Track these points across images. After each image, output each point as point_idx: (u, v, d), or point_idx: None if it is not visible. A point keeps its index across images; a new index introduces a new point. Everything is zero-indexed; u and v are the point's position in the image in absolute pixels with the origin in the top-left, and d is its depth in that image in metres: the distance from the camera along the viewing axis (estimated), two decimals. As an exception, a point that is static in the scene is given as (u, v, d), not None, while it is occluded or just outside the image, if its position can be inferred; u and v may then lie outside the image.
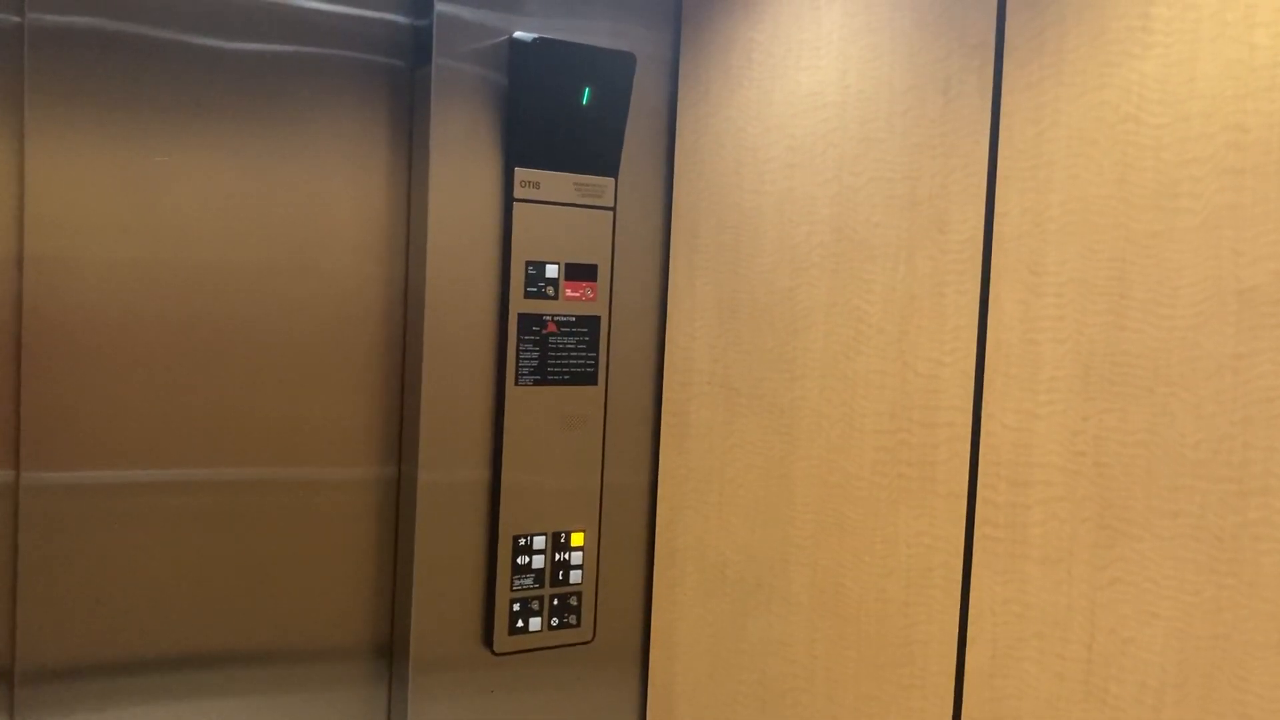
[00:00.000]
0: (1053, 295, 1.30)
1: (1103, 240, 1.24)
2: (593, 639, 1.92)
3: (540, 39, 1.76)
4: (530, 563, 1.83)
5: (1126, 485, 1.22)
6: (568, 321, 1.84)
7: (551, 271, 1.82)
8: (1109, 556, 1.23)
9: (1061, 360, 1.29)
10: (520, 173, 1.78)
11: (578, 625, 1.89)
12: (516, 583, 1.83)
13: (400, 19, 1.78)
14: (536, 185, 1.80)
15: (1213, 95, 1.14)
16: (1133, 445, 1.21)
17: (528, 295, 1.80)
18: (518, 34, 1.77)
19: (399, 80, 1.79)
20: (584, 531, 1.88)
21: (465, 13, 1.75)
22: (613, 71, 1.82)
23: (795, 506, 1.67)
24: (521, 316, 1.80)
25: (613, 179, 1.87)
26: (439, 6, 1.72)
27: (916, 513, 1.47)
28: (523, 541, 1.83)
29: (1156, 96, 1.19)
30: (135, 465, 1.63)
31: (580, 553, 1.88)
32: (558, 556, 1.86)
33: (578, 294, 1.85)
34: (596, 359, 1.88)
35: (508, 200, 1.79)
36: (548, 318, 1.82)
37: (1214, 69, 1.14)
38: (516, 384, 1.80)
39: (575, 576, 1.88)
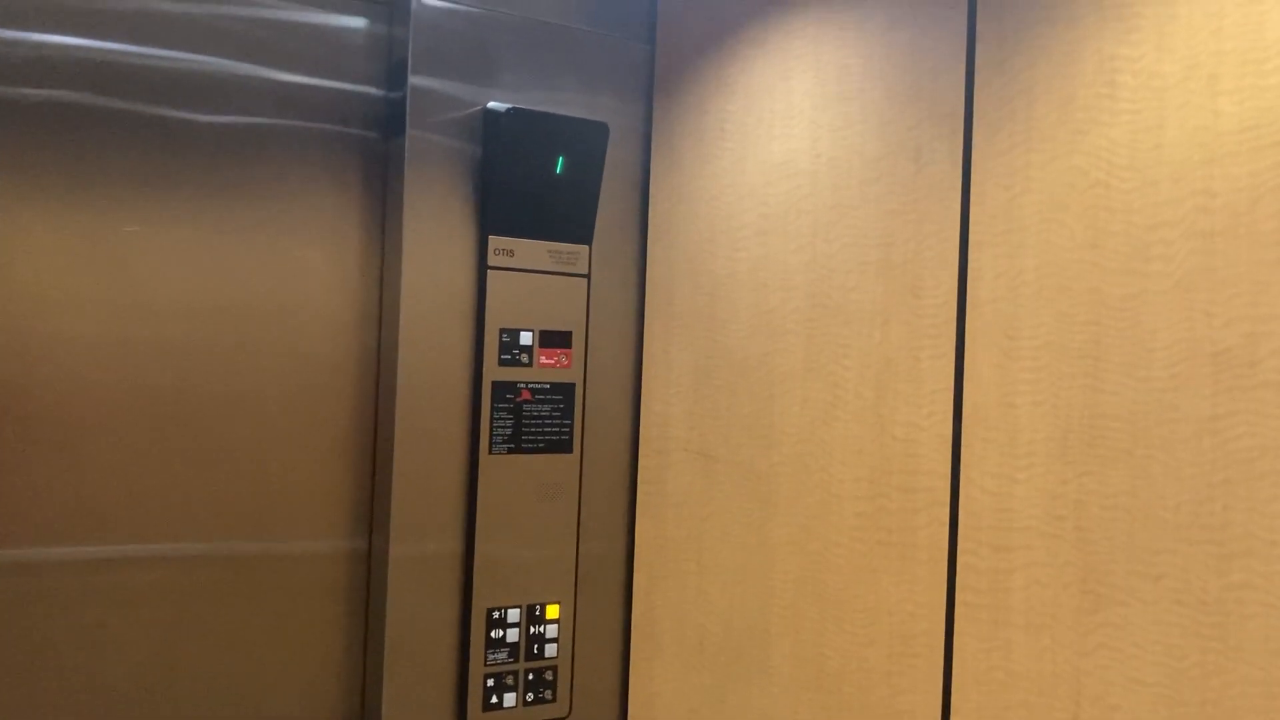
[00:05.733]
0: (1028, 359, 1.30)
1: (1077, 303, 1.25)
2: (569, 714, 1.87)
3: (514, 109, 1.77)
4: (504, 636, 1.79)
5: (1108, 549, 1.21)
6: (542, 389, 1.83)
7: (526, 339, 1.81)
8: (1093, 622, 1.22)
9: (1039, 423, 1.29)
10: (494, 241, 1.78)
11: (554, 700, 1.85)
12: (490, 657, 1.78)
13: (374, 91, 1.79)
14: (511, 253, 1.80)
15: (1180, 161, 1.15)
16: (1113, 508, 1.21)
17: (502, 363, 1.79)
18: (492, 104, 1.78)
19: (372, 151, 1.80)
20: (559, 603, 1.85)
21: (439, 85, 1.76)
22: (586, 141, 1.84)
23: (774, 575, 1.65)
24: (495, 384, 1.79)
25: (587, 246, 1.87)
26: (413, 80, 1.73)
27: (897, 580, 1.45)
28: (496, 614, 1.79)
29: (1125, 162, 1.21)
30: (98, 541, 1.59)
31: (556, 625, 1.84)
32: (532, 629, 1.82)
33: (552, 361, 1.84)
34: (571, 427, 1.86)
35: (482, 268, 1.78)
36: (522, 385, 1.81)
37: (1181, 135, 1.16)
38: (490, 452, 1.78)
39: (551, 650, 1.84)
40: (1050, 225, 1.28)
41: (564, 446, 1.85)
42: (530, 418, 1.82)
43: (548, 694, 1.84)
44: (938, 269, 1.42)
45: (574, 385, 1.86)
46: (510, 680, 1.80)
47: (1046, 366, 1.28)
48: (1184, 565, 1.14)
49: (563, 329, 1.85)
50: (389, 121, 1.79)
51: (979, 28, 1.37)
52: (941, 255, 1.41)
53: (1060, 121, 1.28)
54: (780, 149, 1.68)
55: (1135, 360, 1.19)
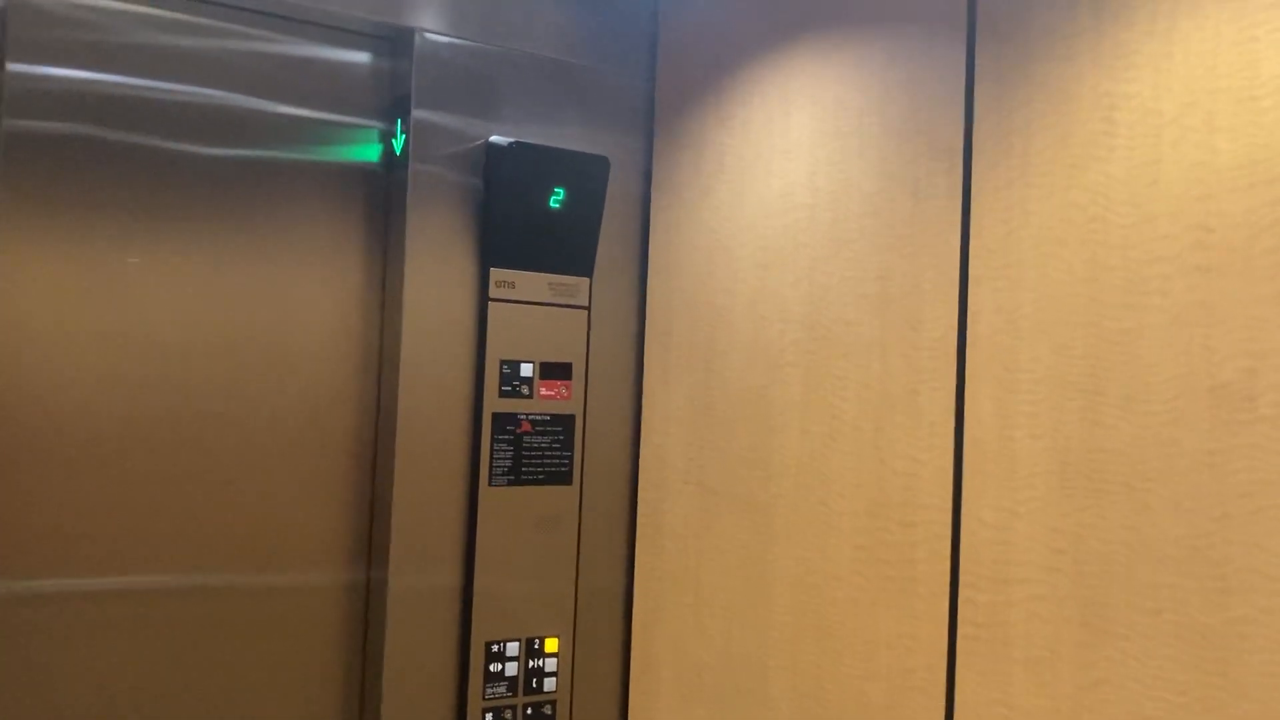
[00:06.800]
0: (1027, 392, 1.31)
1: (1075, 337, 1.26)
2: (567, 749, 1.86)
3: (516, 143, 1.78)
4: (503, 670, 1.78)
5: (1107, 583, 1.21)
6: (542, 421, 1.83)
7: (526, 370, 1.82)
8: (1093, 656, 1.22)
9: (1039, 457, 1.29)
10: (496, 273, 1.79)
11: (551, 734, 1.84)
12: (489, 691, 1.77)
13: (377, 125, 1.81)
14: (512, 285, 1.80)
15: (1177, 196, 1.17)
16: (1112, 543, 1.21)
17: (502, 394, 1.79)
18: (494, 138, 1.80)
19: (374, 183, 1.81)
20: (558, 637, 1.84)
21: (441, 119, 1.77)
22: (588, 174, 1.85)
23: (773, 608, 1.65)
24: (496, 416, 1.79)
25: (587, 279, 1.88)
26: (416, 114, 1.75)
27: (897, 613, 1.45)
28: (495, 648, 1.78)
29: (1122, 197, 1.22)
30: (95, 574, 1.59)
31: (555, 659, 1.83)
32: (531, 663, 1.81)
33: (552, 393, 1.84)
34: (571, 458, 1.86)
35: (483, 300, 1.79)
36: (522, 417, 1.81)
37: (1177, 171, 1.17)
38: (490, 484, 1.78)
39: (550, 684, 1.83)
40: (1049, 260, 1.29)
41: (564, 478, 1.85)
42: (530, 449, 1.82)
43: (546, 728, 1.83)
44: (937, 302, 1.42)
45: (574, 417, 1.87)
46: (509, 715, 1.79)
47: (1045, 400, 1.29)
48: (1184, 599, 1.14)
49: (563, 360, 1.85)
50: (392, 156, 1.80)
51: (978, 65, 1.39)
52: (941, 289, 1.42)
53: (1058, 157, 1.29)
54: (779, 183, 1.69)
55: (1134, 394, 1.20)
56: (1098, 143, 1.25)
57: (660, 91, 1.96)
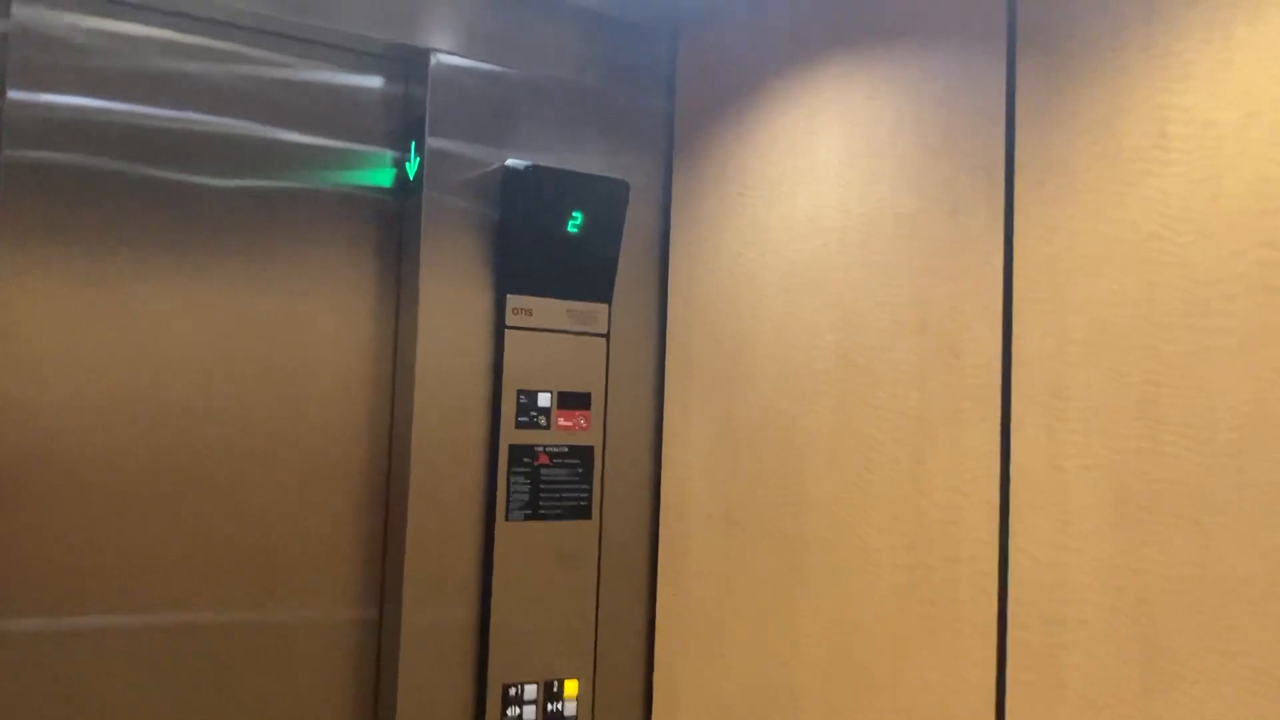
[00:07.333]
0: (1079, 420, 1.24)
1: (1130, 362, 1.19)
2: (588, 797, 1.78)
3: (533, 166, 1.73)
4: (521, 714, 1.70)
5: (1174, 623, 1.13)
6: (560, 452, 1.76)
7: (544, 400, 1.75)
8: (1159, 703, 1.14)
9: (1092, 488, 1.22)
10: (512, 300, 1.73)
11: (572, 782, 1.75)
12: (506, 736, 1.69)
13: (390, 152, 1.75)
14: (529, 312, 1.74)
15: (1240, 212, 1.10)
16: (1178, 580, 1.13)
17: (519, 425, 1.73)
18: (510, 162, 1.74)
19: (388, 211, 1.75)
20: (578, 679, 1.76)
21: (457, 144, 1.72)
22: (606, 198, 1.79)
23: (804, 648, 1.57)
24: (512, 448, 1.72)
25: (606, 305, 1.82)
26: (430, 142, 1.69)
27: (940, 656, 1.37)
28: (513, 691, 1.70)
29: (1180, 214, 1.15)
30: (105, 611, 1.52)
31: (574, 703, 1.75)
32: (550, 707, 1.73)
33: (571, 423, 1.77)
34: (590, 492, 1.79)
35: (499, 328, 1.73)
36: (540, 449, 1.74)
37: (1240, 186, 1.10)
38: (507, 519, 1.71)
39: (570, 729, 1.75)
40: (1100, 280, 1.23)
41: (583, 512, 1.78)
42: (548, 482, 1.75)
43: (566, 776, 1.74)
44: (979, 327, 1.36)
45: (593, 448, 1.80)
46: (527, 761, 1.71)
47: (1099, 428, 1.22)
48: (1260, 641, 1.06)
49: (582, 390, 1.79)
50: (405, 181, 1.75)
51: (1019, 78, 1.33)
52: (983, 312, 1.35)
53: (1108, 173, 1.23)
54: (806, 205, 1.63)
55: (1196, 421, 1.13)
56: (1151, 157, 1.19)
57: (680, 111, 1.90)
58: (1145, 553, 1.16)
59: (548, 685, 1.73)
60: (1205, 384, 1.12)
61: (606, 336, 1.83)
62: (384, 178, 1.75)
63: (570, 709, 1.75)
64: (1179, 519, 1.14)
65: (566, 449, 1.77)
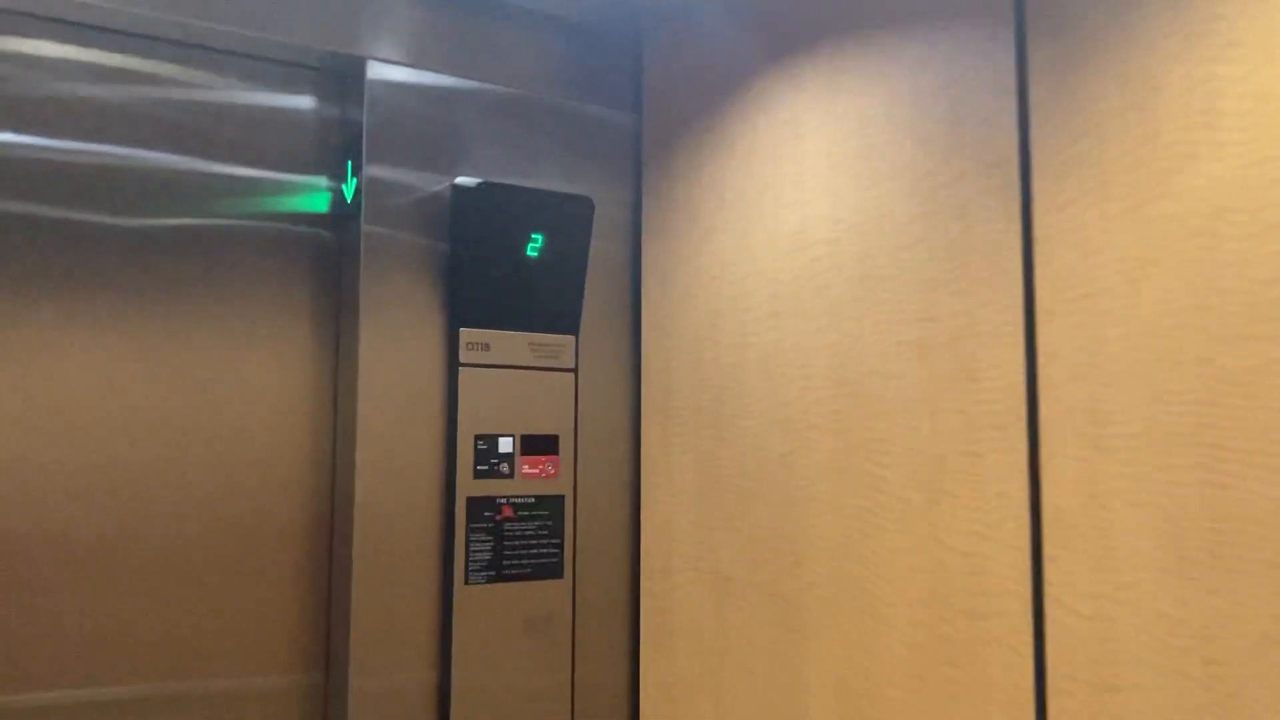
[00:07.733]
0: (1122, 450, 1.06)
1: (1182, 379, 1.01)
2: None
3: (486, 183, 1.55)
4: (489, 804, 1.50)
5: (1254, 690, 0.95)
6: (526, 504, 1.57)
7: (505, 446, 1.56)
8: (1240, 785, 0.95)
9: (1142, 530, 1.04)
10: (466, 334, 1.54)
11: None
12: (472, 831, 1.49)
13: (324, 181, 1.57)
14: (485, 347, 1.55)
15: (1309, 197, 0.93)
16: (1255, 637, 0.95)
17: (478, 475, 1.53)
18: (460, 179, 1.56)
19: (323, 245, 1.57)
20: (553, 759, 1.56)
21: (398, 169, 1.54)
22: (569, 217, 1.61)
23: (809, 718, 1.37)
24: (471, 500, 1.53)
25: (573, 337, 1.64)
26: (369, 169, 1.51)
27: (969, 727, 1.18)
28: (479, 777, 1.50)
29: (1235, 204, 0.98)
30: (31, 688, 1.32)
31: (550, 788, 1.55)
32: (522, 794, 1.53)
33: (537, 470, 1.58)
34: (561, 547, 1.60)
35: (452, 365, 1.54)
36: (502, 501, 1.55)
37: (1307, 166, 0.93)
38: (467, 582, 1.51)
39: (545, 821, 1.54)
40: (1140, 285, 1.05)
41: (553, 571, 1.58)
42: (513, 538, 1.55)
43: None
44: (997, 346, 1.18)
45: (563, 498, 1.60)
46: None
47: (1146, 459, 1.04)
48: (1365, 712, 0.88)
49: (548, 433, 1.60)
50: (342, 209, 1.56)
51: (1031, 57, 1.16)
52: (1000, 329, 1.18)
53: (1142, 161, 1.06)
54: (792, 217, 1.46)
55: (1267, 448, 0.95)
56: (1195, 139, 1.02)
57: (648, 122, 1.73)
58: (1214, 604, 0.98)
59: (518, 770, 1.53)
60: (1273, 403, 0.94)
61: (574, 371, 1.64)
62: (319, 202, 1.57)
63: (545, 796, 1.54)
64: (1250, 563, 0.95)
65: (533, 500, 1.58)
